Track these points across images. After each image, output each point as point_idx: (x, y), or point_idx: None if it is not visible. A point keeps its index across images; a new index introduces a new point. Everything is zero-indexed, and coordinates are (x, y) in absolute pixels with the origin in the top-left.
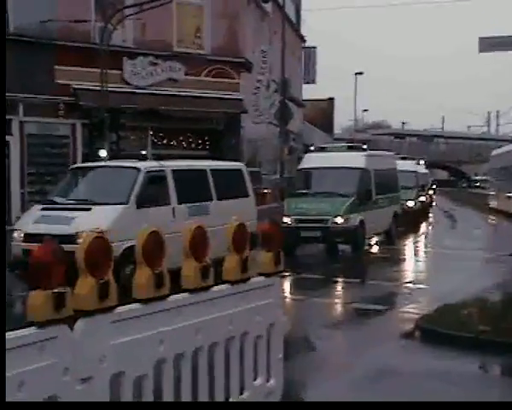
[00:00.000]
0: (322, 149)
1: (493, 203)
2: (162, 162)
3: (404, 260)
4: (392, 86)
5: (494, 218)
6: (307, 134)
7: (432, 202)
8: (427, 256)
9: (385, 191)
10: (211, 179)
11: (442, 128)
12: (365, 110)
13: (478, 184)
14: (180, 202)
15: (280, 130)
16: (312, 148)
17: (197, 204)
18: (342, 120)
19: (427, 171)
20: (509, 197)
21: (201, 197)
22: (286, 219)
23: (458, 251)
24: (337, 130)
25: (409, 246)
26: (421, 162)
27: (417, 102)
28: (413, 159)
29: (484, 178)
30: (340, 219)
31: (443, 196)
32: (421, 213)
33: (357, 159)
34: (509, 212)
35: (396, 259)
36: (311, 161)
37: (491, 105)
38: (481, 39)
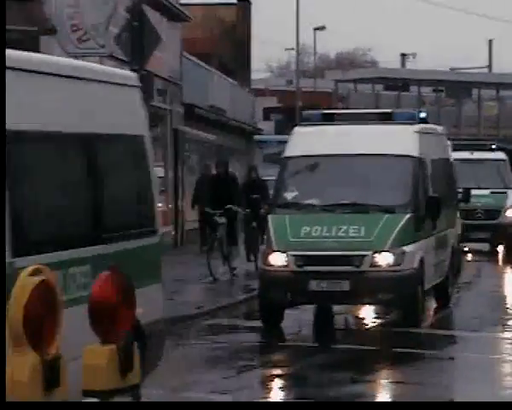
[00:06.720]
0: (328, 119)
1: None
2: None
3: None
4: None
5: None
6: (193, 81)
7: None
8: None
9: (445, 202)
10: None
11: (489, 67)
12: (319, 28)
13: None
14: None
15: (133, 71)
16: (306, 115)
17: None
18: (271, 51)
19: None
20: None
21: None
22: (277, 259)
23: None
24: (259, 72)
25: None
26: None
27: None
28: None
29: None
30: (387, 258)
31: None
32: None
33: (403, 138)
34: None
35: None
36: (310, 141)
37: None
38: None
